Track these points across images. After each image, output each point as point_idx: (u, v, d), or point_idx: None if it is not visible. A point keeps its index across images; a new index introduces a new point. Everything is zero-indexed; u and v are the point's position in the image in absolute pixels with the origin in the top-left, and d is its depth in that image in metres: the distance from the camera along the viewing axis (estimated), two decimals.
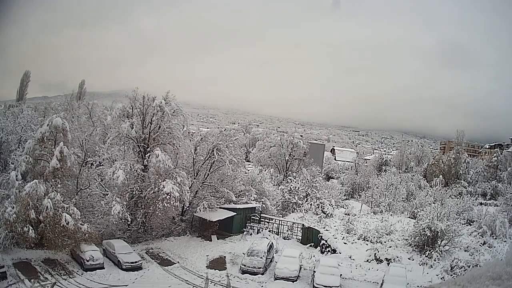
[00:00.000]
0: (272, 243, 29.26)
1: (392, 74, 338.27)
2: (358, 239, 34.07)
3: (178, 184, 29.11)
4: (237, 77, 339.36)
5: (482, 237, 35.16)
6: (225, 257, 28.56)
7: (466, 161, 68.50)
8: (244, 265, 25.81)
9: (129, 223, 29.62)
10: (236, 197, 35.11)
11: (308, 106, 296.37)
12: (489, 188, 60.71)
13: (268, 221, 35.49)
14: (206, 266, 26.77)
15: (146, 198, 29.96)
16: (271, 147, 58.60)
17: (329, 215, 42.32)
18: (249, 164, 59.72)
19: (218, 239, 31.84)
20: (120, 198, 28.45)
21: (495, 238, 35.50)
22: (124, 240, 28.21)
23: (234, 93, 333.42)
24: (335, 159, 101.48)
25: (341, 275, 25.12)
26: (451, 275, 25.81)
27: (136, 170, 29.93)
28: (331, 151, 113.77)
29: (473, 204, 44.66)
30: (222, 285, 23.87)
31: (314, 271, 24.75)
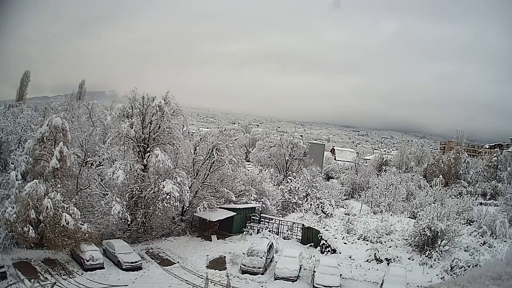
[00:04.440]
0: (272, 243, 29.25)
1: (393, 75, 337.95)
2: (358, 239, 34.08)
3: (178, 184, 29.12)
4: (237, 77, 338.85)
5: (482, 237, 35.16)
6: (225, 257, 28.55)
7: (466, 161, 68.51)
8: (244, 265, 25.80)
9: (129, 223, 29.60)
10: (236, 197, 35.10)
11: (308, 105, 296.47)
12: (489, 188, 60.69)
13: (268, 221, 35.48)
14: (206, 266, 26.76)
15: (146, 198, 29.95)
16: (271, 147, 58.66)
17: (329, 215, 42.32)
18: (249, 164, 59.68)
19: (218, 239, 31.84)
20: (120, 198, 28.46)
21: (495, 238, 35.50)
22: (124, 240, 28.20)
23: (234, 93, 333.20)
24: (335, 159, 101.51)
25: (341, 275, 25.12)
26: (451, 275, 25.80)
27: (136, 170, 29.92)
28: (331, 151, 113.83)
29: (473, 204, 44.58)
30: (222, 285, 23.86)
31: (314, 271, 24.75)
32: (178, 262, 27.24)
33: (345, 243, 33.11)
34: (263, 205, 37.73)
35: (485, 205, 48.36)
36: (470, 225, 38.69)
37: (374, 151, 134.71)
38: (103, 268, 24.92)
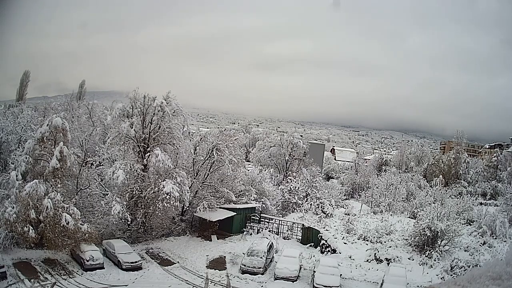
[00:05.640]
0: (272, 243, 29.26)
1: (393, 75, 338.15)
2: (358, 239, 34.08)
3: (178, 184, 29.11)
4: (237, 77, 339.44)
5: (482, 237, 35.15)
6: (225, 257, 28.56)
7: (466, 161, 68.48)
8: (244, 265, 25.81)
9: (129, 223, 29.61)
10: (236, 197, 35.10)
11: (308, 105, 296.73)
12: (489, 188, 60.68)
13: (268, 221, 35.49)
14: (206, 266, 26.78)
15: (146, 198, 29.95)
16: (271, 147, 58.59)
17: (329, 215, 42.32)
18: (249, 164, 59.68)
19: (218, 239, 31.84)
20: (120, 198, 28.47)
21: (495, 238, 35.50)
22: (124, 240, 28.21)
23: (234, 93, 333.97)
24: (335, 159, 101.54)
25: (341, 275, 25.13)
26: (451, 275, 25.80)
27: (136, 170, 29.92)
28: (331, 151, 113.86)
29: (473, 204, 44.58)
30: (222, 285, 23.87)
31: (314, 271, 24.75)
32: (178, 262, 27.24)
33: (345, 243, 33.10)
34: (263, 205, 37.72)
35: (485, 205, 48.35)
36: (470, 225, 38.69)
37: (374, 151, 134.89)
38: (103, 268, 24.92)
